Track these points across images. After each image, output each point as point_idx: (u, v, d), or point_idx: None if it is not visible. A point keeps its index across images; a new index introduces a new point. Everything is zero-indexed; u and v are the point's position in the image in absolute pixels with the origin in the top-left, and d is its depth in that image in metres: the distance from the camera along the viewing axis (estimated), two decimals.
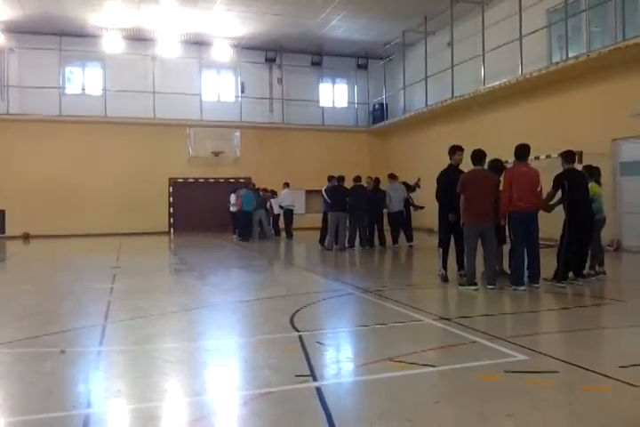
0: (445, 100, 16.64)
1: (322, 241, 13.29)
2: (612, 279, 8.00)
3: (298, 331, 4.93)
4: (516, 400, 3.22)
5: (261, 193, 16.76)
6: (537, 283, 7.00)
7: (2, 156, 18.34)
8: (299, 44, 20.62)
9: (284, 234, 17.12)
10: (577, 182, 7.23)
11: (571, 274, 7.31)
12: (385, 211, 13.30)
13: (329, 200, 12.88)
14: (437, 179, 7.94)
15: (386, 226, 13.30)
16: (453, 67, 16.27)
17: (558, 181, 7.21)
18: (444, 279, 7.66)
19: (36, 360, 4.15)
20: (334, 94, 22.90)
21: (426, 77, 17.92)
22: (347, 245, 12.67)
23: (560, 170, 7.40)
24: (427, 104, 17.80)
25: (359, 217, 12.71)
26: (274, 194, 17.31)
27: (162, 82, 19.88)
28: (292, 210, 17.18)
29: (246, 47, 20.69)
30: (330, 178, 13.39)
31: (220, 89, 21.34)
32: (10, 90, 18.74)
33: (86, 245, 16.31)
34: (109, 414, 3.20)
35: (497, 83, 14.36)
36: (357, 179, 13.10)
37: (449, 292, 7.22)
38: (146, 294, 7.15)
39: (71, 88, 20.07)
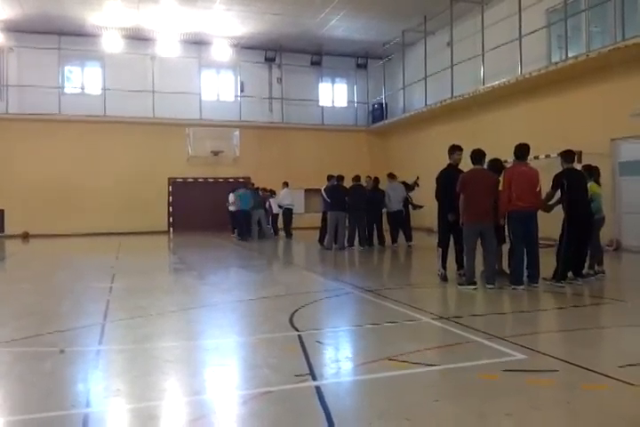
0: (445, 100, 16.64)
1: (321, 240, 13.30)
2: (612, 279, 8.00)
3: (297, 330, 4.93)
4: (515, 399, 3.22)
5: (260, 192, 16.76)
6: (536, 282, 7.00)
7: (1, 155, 18.33)
8: (298, 44, 20.61)
9: (282, 233, 17.12)
10: (576, 182, 7.23)
11: (570, 274, 7.31)
12: (384, 210, 13.31)
13: (328, 200, 12.88)
14: (437, 178, 7.94)
15: (385, 225, 13.30)
16: (453, 66, 16.27)
17: (557, 181, 7.20)
18: (444, 279, 7.67)
19: (35, 359, 4.15)
20: (334, 94, 22.89)
21: (425, 77, 17.92)
22: (346, 244, 12.67)
23: (559, 170, 7.39)
24: (426, 104, 17.80)
25: (358, 216, 12.72)
26: (273, 193, 17.31)
27: (161, 81, 19.87)
28: (291, 209, 17.17)
29: (246, 47, 20.68)
30: (329, 177, 13.41)
31: (220, 88, 21.33)
32: (9, 89, 18.73)
33: (86, 244, 16.31)
34: (109, 413, 3.20)
35: (496, 83, 14.36)
36: (357, 178, 13.10)
37: (448, 291, 7.23)
38: (145, 294, 7.15)
39: (70, 87, 20.06)
